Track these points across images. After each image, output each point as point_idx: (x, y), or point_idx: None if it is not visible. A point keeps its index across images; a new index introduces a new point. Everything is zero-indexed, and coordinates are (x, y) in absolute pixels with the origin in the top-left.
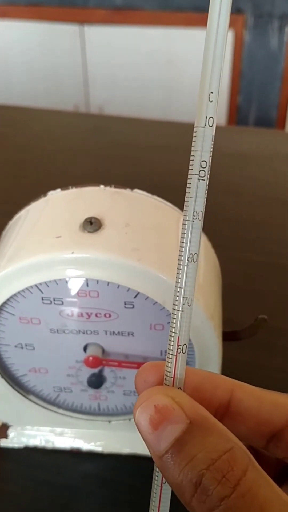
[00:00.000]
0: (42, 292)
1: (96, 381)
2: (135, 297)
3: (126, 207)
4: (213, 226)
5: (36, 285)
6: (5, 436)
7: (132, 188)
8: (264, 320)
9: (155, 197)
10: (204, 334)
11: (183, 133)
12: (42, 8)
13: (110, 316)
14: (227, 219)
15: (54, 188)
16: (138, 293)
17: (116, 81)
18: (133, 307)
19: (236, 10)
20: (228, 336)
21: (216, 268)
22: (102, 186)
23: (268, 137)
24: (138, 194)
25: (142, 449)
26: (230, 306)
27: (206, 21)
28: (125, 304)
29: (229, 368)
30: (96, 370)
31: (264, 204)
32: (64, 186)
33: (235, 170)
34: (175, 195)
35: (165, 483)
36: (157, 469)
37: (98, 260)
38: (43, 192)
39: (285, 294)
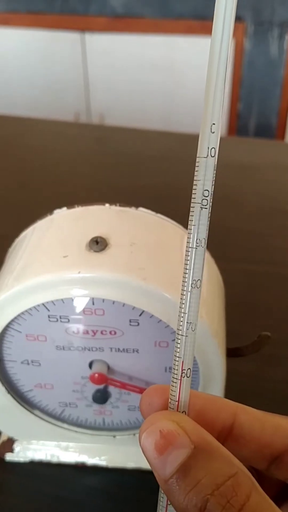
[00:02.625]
0: (48, 310)
1: (101, 397)
2: (140, 315)
3: (131, 226)
4: (213, 238)
5: (42, 304)
6: (10, 450)
7: (136, 206)
8: (267, 337)
9: (159, 215)
10: (208, 351)
11: (184, 143)
12: (43, 16)
13: (115, 333)
14: (227, 230)
15: (55, 198)
16: (143, 311)
17: (117, 89)
18: (138, 324)
19: (236, 18)
20: (232, 353)
21: (220, 284)
22: (107, 205)
23: (268, 148)
24: (143, 212)
25: (146, 464)
26: (233, 318)
27: (207, 29)
28: (130, 322)
29: (232, 381)
30: (101, 386)
31: (265, 214)
32: (65, 196)
33: (236, 181)
34: (177, 206)
35: (170, 504)
36: (162, 491)
37: (104, 280)
38: (45, 202)
39: None
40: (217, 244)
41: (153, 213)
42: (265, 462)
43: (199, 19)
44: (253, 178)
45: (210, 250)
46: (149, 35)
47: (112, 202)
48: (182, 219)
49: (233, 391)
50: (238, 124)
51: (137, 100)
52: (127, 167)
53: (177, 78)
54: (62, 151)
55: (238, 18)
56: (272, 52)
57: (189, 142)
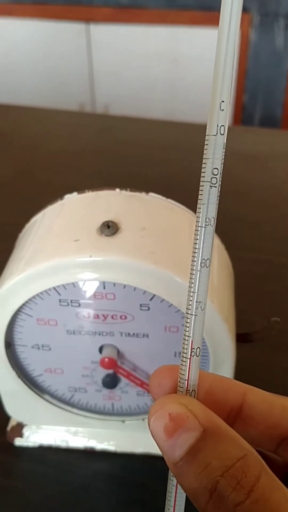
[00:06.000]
0: (59, 294)
1: (111, 382)
2: (150, 299)
3: (142, 211)
4: (221, 226)
5: (54, 288)
6: (20, 435)
7: (146, 191)
8: (277, 322)
9: (169, 200)
10: (218, 336)
11: (189, 133)
12: (48, 6)
13: (125, 318)
14: (235, 219)
15: (61, 187)
16: (154, 295)
17: (122, 80)
18: (149, 309)
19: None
20: (241, 338)
21: (229, 270)
22: (117, 190)
23: (274, 137)
24: (153, 197)
25: (155, 449)
26: (241, 307)
27: (212, 20)
28: (140, 306)
29: (240, 368)
30: (110, 371)
31: (272, 203)
32: (71, 185)
33: (242, 171)
34: (182, 194)
35: (179, 487)
36: (171, 474)
37: (115, 263)
38: (51, 191)
39: None
40: (223, 233)
41: (164, 198)
42: (273, 444)
43: (204, 10)
44: (259, 167)
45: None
46: (154, 26)
47: (122, 188)
48: (187, 205)
49: (241, 378)
50: (243, 116)
51: (141, 90)
52: (132, 157)
53: (182, 70)
54: (67, 141)
55: (244, 9)
56: (278, 43)
57: (194, 131)
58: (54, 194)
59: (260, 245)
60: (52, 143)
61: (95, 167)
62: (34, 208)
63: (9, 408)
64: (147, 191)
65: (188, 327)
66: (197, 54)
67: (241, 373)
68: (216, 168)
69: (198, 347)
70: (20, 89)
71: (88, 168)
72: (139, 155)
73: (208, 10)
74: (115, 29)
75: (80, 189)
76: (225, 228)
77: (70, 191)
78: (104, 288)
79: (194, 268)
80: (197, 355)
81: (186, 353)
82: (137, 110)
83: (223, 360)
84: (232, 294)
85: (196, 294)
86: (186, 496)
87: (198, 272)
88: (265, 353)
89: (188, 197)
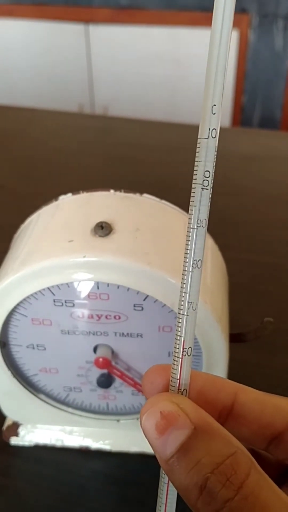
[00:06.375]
0: (54, 295)
1: (105, 381)
2: (144, 299)
3: (136, 212)
4: (217, 228)
5: (48, 288)
6: (15, 434)
7: (141, 192)
8: (270, 323)
9: (163, 201)
10: (211, 337)
11: (188, 134)
12: (47, 7)
13: (119, 318)
14: (231, 220)
15: (59, 188)
16: (147, 296)
17: (121, 81)
18: (142, 309)
19: (240, 10)
20: (234, 338)
21: (223, 271)
22: (112, 191)
23: (271, 139)
24: (147, 198)
25: (149, 448)
26: (235, 307)
27: (211, 20)
28: (134, 306)
29: (234, 368)
30: (105, 371)
31: (268, 205)
32: (69, 186)
33: (239, 172)
34: (180, 196)
35: (170, 484)
36: (163, 471)
37: (109, 264)
38: (49, 192)
39: None
40: (220, 234)
41: (157, 199)
42: (265, 442)
43: (203, 11)
44: (258, 168)
45: (212, 238)
46: (153, 26)
47: (116, 189)
48: (185, 208)
49: (234, 378)
50: (242, 117)
51: (140, 91)
52: (131, 158)
53: (181, 70)
54: (66, 142)
55: (243, 10)
56: (277, 44)
57: (194, 133)
58: (53, 195)
59: (258, 246)
60: (52, 144)
61: (95, 168)
62: (33, 209)
63: (4, 408)
64: (145, 192)
65: (179, 327)
66: (196, 54)
67: (234, 373)
68: (208, 171)
69: (190, 347)
70: (19, 90)
71: (88, 169)
72: (138, 156)
73: (207, 11)
74: (115, 30)
75: (80, 190)
76: (223, 228)
77: (69, 192)
78: (98, 288)
79: (186, 269)
80: (189, 354)
81: (177, 352)
82: (136, 111)
83: (216, 360)
84: (226, 294)
85: (187, 294)
86: (178, 494)
87: (190, 273)
88: (258, 353)
89: (187, 197)
